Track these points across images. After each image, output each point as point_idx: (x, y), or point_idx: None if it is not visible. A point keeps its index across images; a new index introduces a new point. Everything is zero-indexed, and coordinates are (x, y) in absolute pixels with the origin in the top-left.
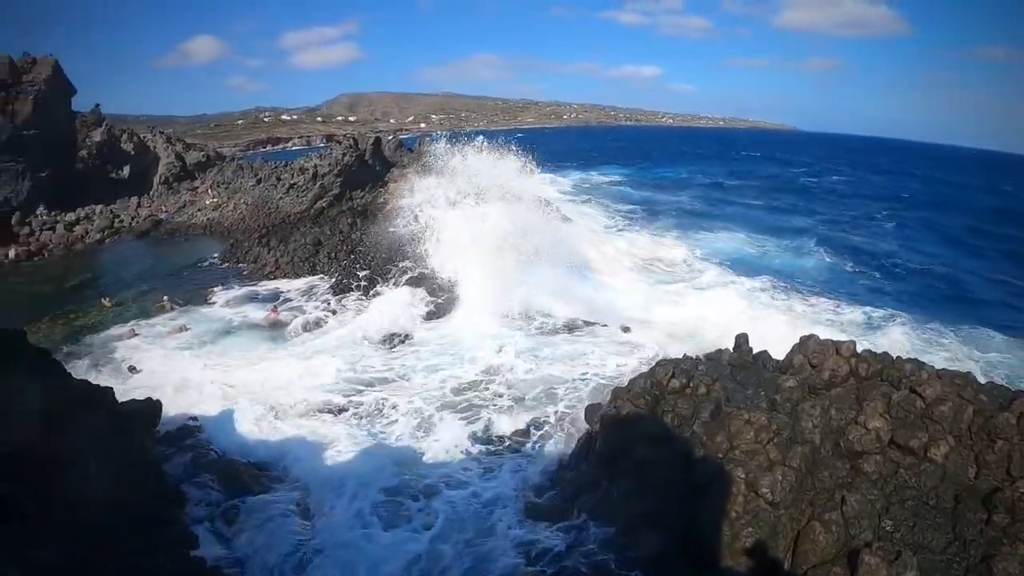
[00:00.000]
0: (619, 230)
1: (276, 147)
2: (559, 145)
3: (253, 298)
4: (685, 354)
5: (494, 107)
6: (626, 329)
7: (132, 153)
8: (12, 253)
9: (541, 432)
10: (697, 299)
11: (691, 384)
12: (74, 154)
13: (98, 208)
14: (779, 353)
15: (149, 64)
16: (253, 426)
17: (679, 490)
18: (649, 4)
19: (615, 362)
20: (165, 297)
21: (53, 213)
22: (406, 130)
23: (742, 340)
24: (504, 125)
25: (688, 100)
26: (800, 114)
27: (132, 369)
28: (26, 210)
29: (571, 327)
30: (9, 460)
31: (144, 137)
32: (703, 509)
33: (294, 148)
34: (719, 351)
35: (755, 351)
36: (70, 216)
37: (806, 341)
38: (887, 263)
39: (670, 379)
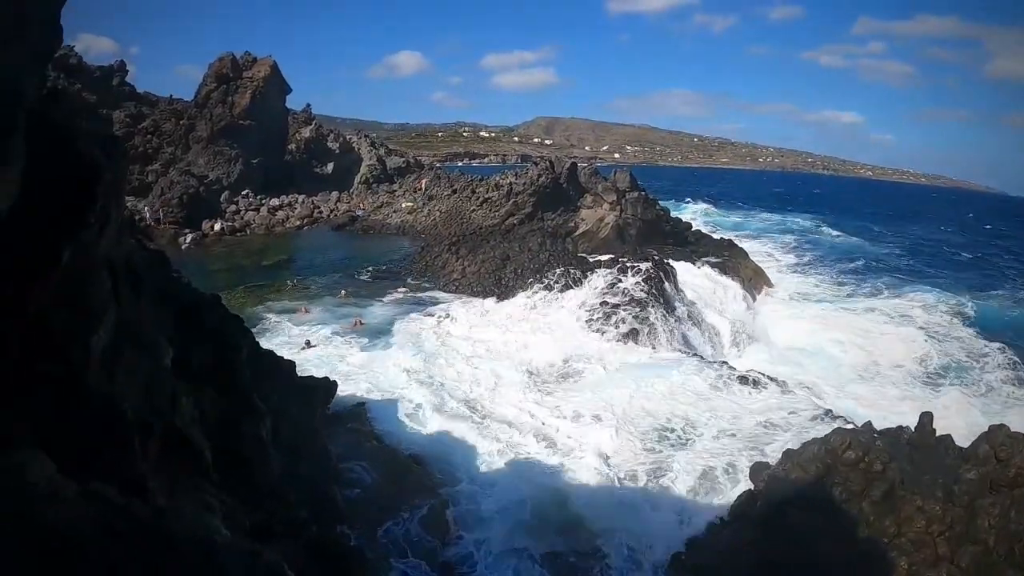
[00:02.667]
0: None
1: (472, 162)
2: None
3: (431, 302)
4: (866, 423)
5: (689, 143)
6: None
7: (337, 152)
8: (218, 226)
9: (701, 480)
10: None
11: (866, 459)
12: (284, 146)
13: (300, 197)
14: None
15: (360, 73)
16: (415, 420)
17: (836, 568)
18: (850, 47)
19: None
20: (344, 290)
21: (259, 196)
22: (600, 158)
23: (927, 420)
24: (699, 163)
25: (888, 151)
26: (1006, 175)
27: (308, 344)
28: (235, 190)
29: None
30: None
31: (349, 138)
32: None
33: (489, 164)
34: (899, 428)
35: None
36: (274, 201)
37: (996, 430)
38: None
39: (845, 450)
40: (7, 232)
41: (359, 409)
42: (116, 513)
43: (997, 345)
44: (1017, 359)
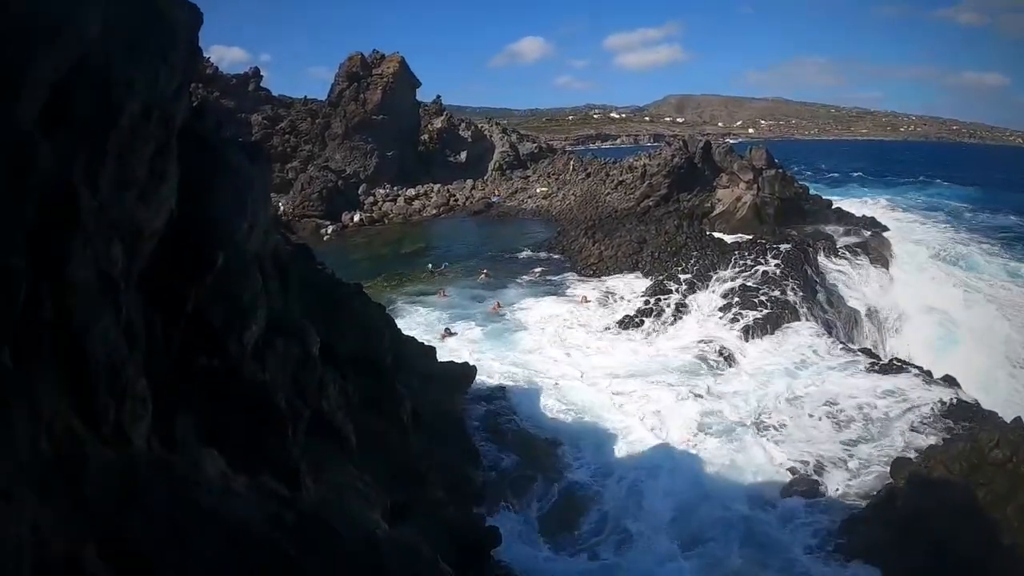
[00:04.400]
0: None
1: (604, 144)
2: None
3: (569, 286)
4: (1016, 419)
5: (826, 114)
6: None
7: (469, 140)
8: (357, 217)
9: (843, 472)
10: None
11: (1014, 459)
12: (417, 138)
13: (435, 187)
14: None
15: (483, 62)
16: (552, 404)
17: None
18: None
19: None
20: (485, 271)
21: (395, 187)
22: (734, 135)
23: None
24: (836, 135)
25: None
26: None
27: (448, 332)
28: (372, 182)
29: None
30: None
31: (481, 127)
32: None
33: (621, 146)
34: None
35: None
36: (410, 191)
37: None
38: None
39: (992, 448)
40: (167, 240)
41: (498, 393)
42: (284, 505)
43: None
44: None
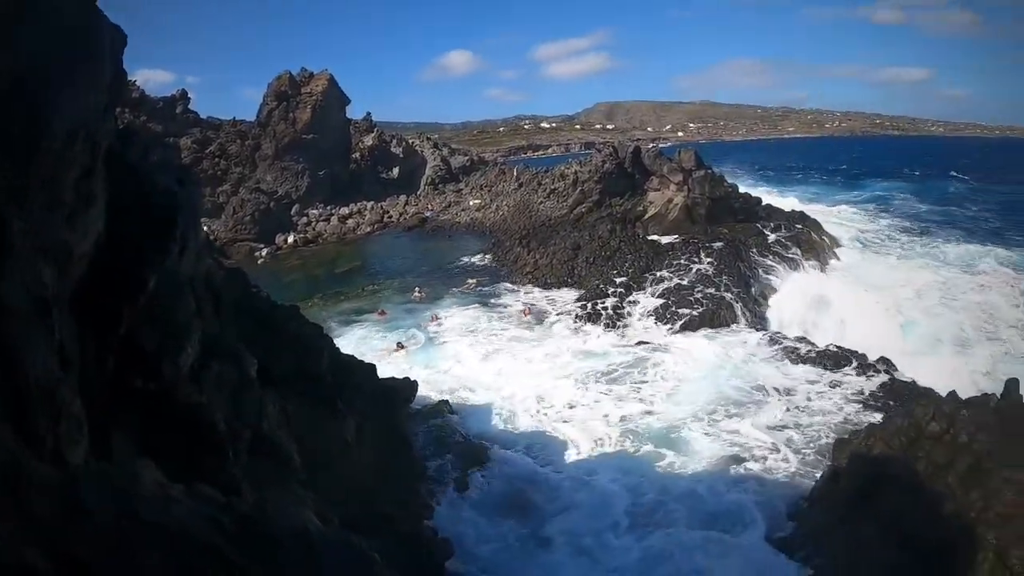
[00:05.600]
0: None
1: (536, 154)
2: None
3: (505, 296)
4: (950, 393)
5: (753, 115)
6: None
7: (401, 156)
8: (291, 239)
9: (785, 458)
10: None
11: (951, 430)
12: (348, 156)
13: (369, 204)
14: None
15: (412, 77)
16: (495, 415)
17: (923, 544)
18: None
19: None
20: (417, 288)
21: (328, 207)
22: (664, 139)
23: (1013, 387)
24: (764, 134)
25: (959, 105)
26: None
27: (400, 345)
28: (304, 203)
29: None
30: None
31: (412, 142)
32: (943, 570)
33: (553, 155)
34: (985, 396)
35: None
36: (344, 210)
37: None
38: None
39: (929, 422)
40: (98, 263)
41: (441, 406)
42: (221, 510)
43: None
44: None
